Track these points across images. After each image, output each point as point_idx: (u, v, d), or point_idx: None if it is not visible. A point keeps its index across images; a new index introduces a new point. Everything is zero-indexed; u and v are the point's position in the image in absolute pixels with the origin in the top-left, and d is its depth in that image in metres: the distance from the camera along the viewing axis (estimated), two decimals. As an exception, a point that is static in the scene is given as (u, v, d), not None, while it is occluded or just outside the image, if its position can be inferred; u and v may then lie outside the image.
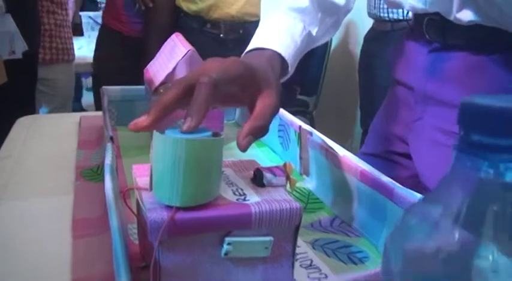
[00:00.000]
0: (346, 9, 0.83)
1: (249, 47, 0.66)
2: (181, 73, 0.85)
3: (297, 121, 0.83)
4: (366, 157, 0.95)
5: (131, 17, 1.98)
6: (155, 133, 0.43)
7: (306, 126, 0.80)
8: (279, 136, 0.89)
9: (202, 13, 1.63)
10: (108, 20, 2.03)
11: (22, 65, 1.60)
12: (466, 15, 0.72)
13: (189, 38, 1.77)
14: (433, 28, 0.80)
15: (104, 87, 1.02)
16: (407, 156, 0.91)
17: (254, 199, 0.45)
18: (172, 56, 0.89)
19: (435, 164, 0.82)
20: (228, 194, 0.46)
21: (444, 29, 0.78)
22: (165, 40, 1.59)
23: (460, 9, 0.72)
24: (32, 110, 1.74)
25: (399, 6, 0.84)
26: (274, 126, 0.90)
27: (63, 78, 2.02)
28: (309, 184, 0.77)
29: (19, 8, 1.58)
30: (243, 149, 0.46)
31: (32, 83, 1.82)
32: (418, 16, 0.83)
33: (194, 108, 0.44)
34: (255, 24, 1.64)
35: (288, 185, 0.51)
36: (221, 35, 1.63)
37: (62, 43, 1.97)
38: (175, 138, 0.40)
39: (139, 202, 0.45)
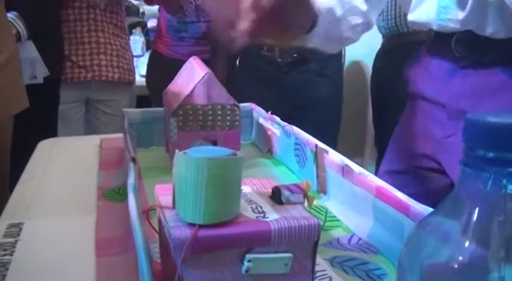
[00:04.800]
0: (367, 21, 0.86)
1: None
2: (199, 95, 0.87)
3: (313, 140, 0.84)
4: (390, 174, 0.95)
5: (174, 40, 2.06)
6: (177, 153, 0.44)
7: (322, 145, 0.81)
8: (295, 155, 0.90)
9: None
10: (156, 44, 2.17)
11: (44, 89, 1.64)
12: (500, 30, 0.74)
13: (248, 61, 1.82)
14: (464, 45, 0.82)
15: (124, 109, 1.04)
16: (437, 170, 0.92)
17: (273, 216, 0.46)
18: (190, 79, 0.92)
19: None
20: (248, 212, 0.47)
21: (476, 45, 0.80)
22: (231, 65, 1.68)
23: (494, 25, 0.74)
24: (53, 134, 1.78)
25: (425, 26, 0.85)
26: (290, 145, 0.92)
27: (126, 99, 2.06)
28: (326, 202, 0.78)
29: (41, 35, 1.63)
30: None
31: (53, 107, 1.86)
32: (444, 33, 0.84)
33: None
34: (310, 48, 1.68)
35: (306, 202, 0.52)
36: (277, 59, 1.66)
37: (127, 64, 2.04)
38: (197, 158, 0.42)
39: (163, 220, 0.46)
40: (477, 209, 0.23)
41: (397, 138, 1.01)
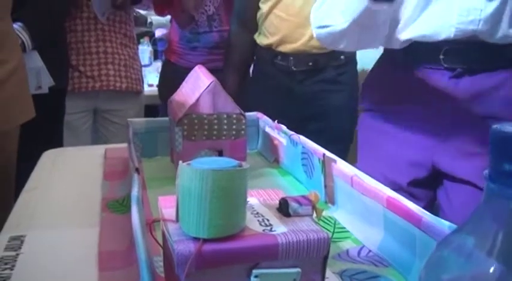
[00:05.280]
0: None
1: None
2: (204, 104, 0.86)
3: (321, 149, 0.83)
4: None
5: (186, 50, 2.06)
6: (181, 164, 0.43)
7: (330, 154, 0.80)
8: (302, 164, 0.89)
9: (273, 46, 1.68)
10: (168, 53, 2.16)
11: (49, 99, 1.63)
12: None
13: (262, 69, 1.82)
14: (454, 56, 0.87)
15: (129, 119, 1.03)
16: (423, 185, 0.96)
17: (281, 229, 0.45)
18: (195, 88, 0.90)
19: (470, 173, 0.89)
20: (254, 225, 0.45)
21: (468, 55, 0.86)
22: (244, 73, 1.67)
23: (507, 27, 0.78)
24: (59, 143, 1.78)
25: (424, 39, 0.88)
26: (297, 154, 0.90)
27: (134, 109, 2.06)
28: (334, 212, 0.76)
29: (46, 45, 1.62)
30: None
31: (59, 116, 1.86)
32: (428, 45, 0.88)
33: None
34: (324, 56, 1.67)
35: (315, 214, 0.51)
36: (292, 68, 1.66)
37: (135, 74, 2.04)
38: (201, 170, 0.41)
39: (166, 233, 0.45)
40: (503, 228, 0.21)
41: (383, 148, 1.03)
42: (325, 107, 1.69)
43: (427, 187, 0.98)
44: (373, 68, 1.07)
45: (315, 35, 1.02)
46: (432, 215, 0.55)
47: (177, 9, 2.01)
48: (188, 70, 1.01)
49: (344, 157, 1.08)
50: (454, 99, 0.88)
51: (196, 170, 0.41)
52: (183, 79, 0.99)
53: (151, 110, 2.29)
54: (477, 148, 0.88)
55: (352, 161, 0.90)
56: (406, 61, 0.93)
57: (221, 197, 0.41)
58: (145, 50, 2.97)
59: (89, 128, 2.06)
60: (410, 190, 0.97)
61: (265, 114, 1.11)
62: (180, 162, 0.43)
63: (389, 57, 1.00)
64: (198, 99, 0.86)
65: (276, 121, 1.02)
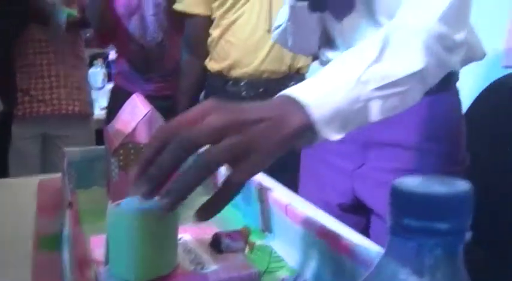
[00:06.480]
0: None
1: None
2: (141, 134, 0.86)
3: (258, 177, 0.84)
4: None
5: (137, 76, 2.00)
6: (109, 206, 0.43)
7: (267, 182, 0.81)
8: (240, 193, 0.89)
9: (224, 72, 1.68)
10: (119, 79, 2.07)
11: None
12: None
13: (213, 95, 1.80)
14: None
15: (64, 148, 1.01)
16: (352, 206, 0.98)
17: (212, 267, 0.45)
18: (132, 117, 0.90)
19: (380, 206, 0.92)
20: (186, 264, 0.46)
21: None
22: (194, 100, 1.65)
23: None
24: (4, 171, 1.72)
25: None
26: (235, 182, 0.91)
27: (85, 133, 2.00)
28: (271, 241, 0.77)
29: None
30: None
31: (4, 143, 1.80)
32: None
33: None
34: (274, 82, 1.68)
35: (247, 248, 0.52)
36: (242, 93, 1.66)
37: (86, 96, 1.99)
38: (129, 213, 0.41)
39: (96, 276, 0.44)
40: (404, 278, 0.23)
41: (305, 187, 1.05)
42: None
43: (357, 211, 1.01)
44: None
45: (272, 40, 1.05)
46: (363, 241, 0.57)
47: (123, 39, 1.98)
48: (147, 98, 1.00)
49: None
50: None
51: (124, 213, 0.41)
52: None
53: (102, 134, 2.23)
54: (388, 175, 0.91)
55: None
56: None
57: (150, 239, 0.41)
58: (98, 73, 2.88)
59: (38, 155, 1.99)
60: (343, 214, 1.00)
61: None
62: (109, 203, 0.43)
63: None
64: (134, 129, 0.86)
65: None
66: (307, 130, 0.50)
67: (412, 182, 0.23)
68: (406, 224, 0.22)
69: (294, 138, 0.48)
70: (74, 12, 1.88)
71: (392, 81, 0.57)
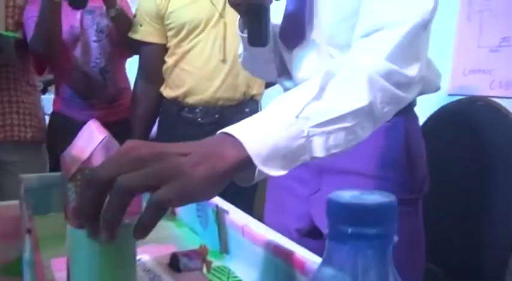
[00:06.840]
0: None
1: None
2: (97, 160, 0.87)
3: (215, 200, 0.86)
4: None
5: (82, 103, 1.98)
6: (68, 228, 0.44)
7: (224, 204, 0.83)
8: (197, 216, 0.92)
9: (179, 99, 1.70)
10: (60, 106, 2.05)
11: None
12: None
13: (168, 121, 1.81)
14: None
15: (20, 175, 1.01)
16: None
17: (171, 285, 0.47)
18: (88, 143, 0.91)
19: None
20: (146, 283, 0.48)
21: None
22: (149, 126, 1.64)
23: None
24: None
25: None
26: (192, 206, 0.93)
27: (38, 160, 1.96)
28: (229, 262, 0.79)
29: None
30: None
31: None
32: None
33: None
34: (230, 108, 1.71)
35: (204, 267, 0.54)
36: (198, 119, 1.68)
37: (39, 123, 1.95)
38: (85, 232, 0.42)
39: (58, 297, 0.46)
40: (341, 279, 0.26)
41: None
42: None
43: (315, 236, 1.04)
44: None
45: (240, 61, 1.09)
46: (317, 258, 0.59)
47: (66, 65, 1.97)
48: (83, 124, 1.01)
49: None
50: None
51: (83, 234, 0.43)
52: (76, 133, 0.99)
53: (57, 160, 2.19)
54: None
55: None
56: None
57: (108, 259, 0.43)
58: (52, 99, 2.84)
59: None
60: (301, 239, 1.02)
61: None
62: (68, 225, 0.45)
63: None
64: (91, 155, 0.87)
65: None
66: (245, 165, 0.51)
67: (345, 195, 0.27)
68: (342, 231, 0.26)
69: (230, 171, 0.49)
70: (16, 34, 1.86)
71: (336, 117, 0.58)
